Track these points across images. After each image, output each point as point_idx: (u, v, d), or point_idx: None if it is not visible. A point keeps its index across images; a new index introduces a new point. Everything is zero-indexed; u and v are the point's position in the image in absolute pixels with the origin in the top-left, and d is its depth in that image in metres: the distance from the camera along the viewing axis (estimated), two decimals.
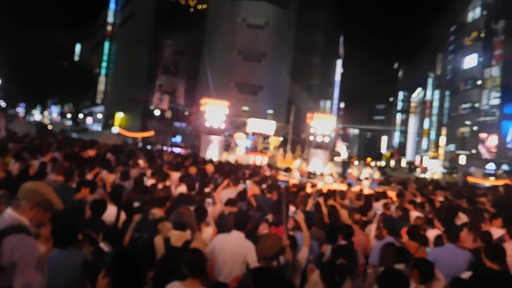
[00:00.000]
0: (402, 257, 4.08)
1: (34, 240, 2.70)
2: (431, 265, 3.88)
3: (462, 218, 7.69)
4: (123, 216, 5.02)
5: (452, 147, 61.00)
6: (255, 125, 31.18)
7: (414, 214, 7.86)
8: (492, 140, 49.39)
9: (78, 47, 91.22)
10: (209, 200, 5.50)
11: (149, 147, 33.55)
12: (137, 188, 6.52)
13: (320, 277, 3.61)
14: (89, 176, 7.36)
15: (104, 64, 69.52)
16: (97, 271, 2.30)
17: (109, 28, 69.40)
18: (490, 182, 29.52)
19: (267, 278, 3.46)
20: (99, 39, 73.69)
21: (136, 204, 5.10)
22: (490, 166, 46.01)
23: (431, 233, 6.61)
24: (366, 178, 18.83)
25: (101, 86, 69.86)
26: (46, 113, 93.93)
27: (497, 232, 6.41)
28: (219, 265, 4.41)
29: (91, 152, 12.73)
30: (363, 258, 5.48)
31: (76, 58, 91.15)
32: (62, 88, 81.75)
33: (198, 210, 5.30)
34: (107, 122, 62.40)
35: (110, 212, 5.04)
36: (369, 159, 57.83)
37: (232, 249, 4.40)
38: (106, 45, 69.44)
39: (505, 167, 42.81)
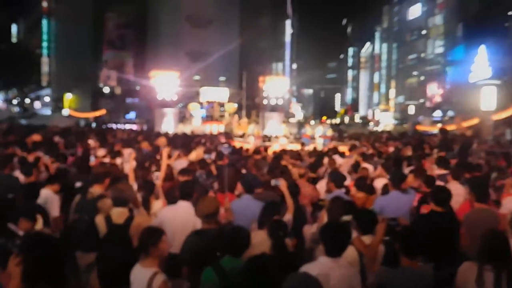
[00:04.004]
0: (349, 210, 4.21)
1: None
2: (371, 216, 4.02)
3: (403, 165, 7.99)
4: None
5: (401, 98, 62.91)
6: (208, 93, 30.82)
7: (364, 165, 8.08)
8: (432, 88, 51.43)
9: (14, 28, 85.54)
10: (156, 173, 5.43)
11: (103, 126, 32.67)
12: (79, 168, 6.34)
13: (268, 234, 3.78)
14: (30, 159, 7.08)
15: (45, 44, 65.70)
16: (5, 252, 2.23)
17: (45, 4, 65.30)
18: (437, 128, 30.72)
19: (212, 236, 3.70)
20: (36, 16, 69.19)
21: (78, 184, 4.96)
22: (437, 114, 47.97)
23: (379, 183, 6.86)
24: (320, 136, 19.23)
25: (45, 68, 66.23)
26: None
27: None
28: (169, 237, 4.37)
29: (36, 137, 12.22)
30: (311, 207, 5.73)
31: (14, 39, 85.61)
32: (3, 73, 77.14)
33: (146, 184, 5.26)
34: (57, 105, 59.84)
35: (46, 196, 4.86)
36: (324, 118, 58.86)
37: (180, 220, 4.37)
38: (45, 22, 65.40)
39: (450, 113, 44.66)
